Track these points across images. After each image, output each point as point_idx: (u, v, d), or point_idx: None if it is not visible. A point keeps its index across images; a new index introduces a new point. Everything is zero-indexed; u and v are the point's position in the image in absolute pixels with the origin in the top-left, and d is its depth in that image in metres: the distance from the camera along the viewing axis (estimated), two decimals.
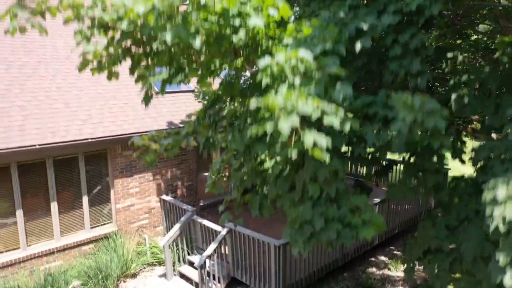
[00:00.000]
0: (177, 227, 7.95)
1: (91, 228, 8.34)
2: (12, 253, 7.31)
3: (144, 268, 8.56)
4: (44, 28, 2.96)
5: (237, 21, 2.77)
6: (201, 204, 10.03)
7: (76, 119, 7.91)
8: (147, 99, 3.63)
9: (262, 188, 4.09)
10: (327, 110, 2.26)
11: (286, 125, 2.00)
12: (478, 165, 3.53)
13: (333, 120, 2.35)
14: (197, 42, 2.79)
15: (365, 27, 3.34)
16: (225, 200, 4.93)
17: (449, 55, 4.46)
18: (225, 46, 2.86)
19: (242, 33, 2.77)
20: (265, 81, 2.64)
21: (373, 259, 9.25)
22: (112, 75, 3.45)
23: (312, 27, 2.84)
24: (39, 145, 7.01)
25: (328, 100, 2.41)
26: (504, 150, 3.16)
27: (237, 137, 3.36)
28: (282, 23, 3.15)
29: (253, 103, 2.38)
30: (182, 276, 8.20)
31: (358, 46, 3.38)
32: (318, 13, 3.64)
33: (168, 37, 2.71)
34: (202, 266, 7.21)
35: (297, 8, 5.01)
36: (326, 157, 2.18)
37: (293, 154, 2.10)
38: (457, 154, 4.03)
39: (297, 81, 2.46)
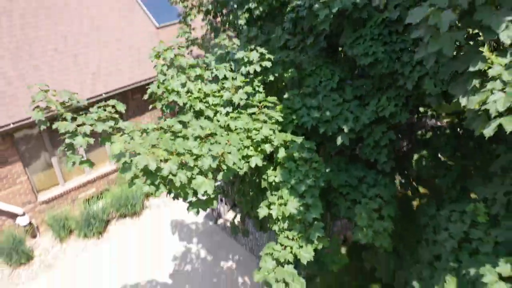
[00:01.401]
0: None
1: None
2: (54, 189, 8.86)
3: None
4: None
5: (241, 163, 3.57)
6: None
7: (87, 73, 8.47)
8: None
9: None
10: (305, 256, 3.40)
11: None
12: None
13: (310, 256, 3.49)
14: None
15: (345, 128, 4.07)
16: None
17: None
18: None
19: (245, 168, 3.60)
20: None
21: None
22: None
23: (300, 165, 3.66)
24: None
25: (306, 240, 3.48)
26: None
27: (243, 202, 4.48)
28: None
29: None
30: None
31: (339, 141, 4.17)
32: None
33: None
34: None
35: None
36: None
37: None
38: None
39: (286, 225, 3.47)
